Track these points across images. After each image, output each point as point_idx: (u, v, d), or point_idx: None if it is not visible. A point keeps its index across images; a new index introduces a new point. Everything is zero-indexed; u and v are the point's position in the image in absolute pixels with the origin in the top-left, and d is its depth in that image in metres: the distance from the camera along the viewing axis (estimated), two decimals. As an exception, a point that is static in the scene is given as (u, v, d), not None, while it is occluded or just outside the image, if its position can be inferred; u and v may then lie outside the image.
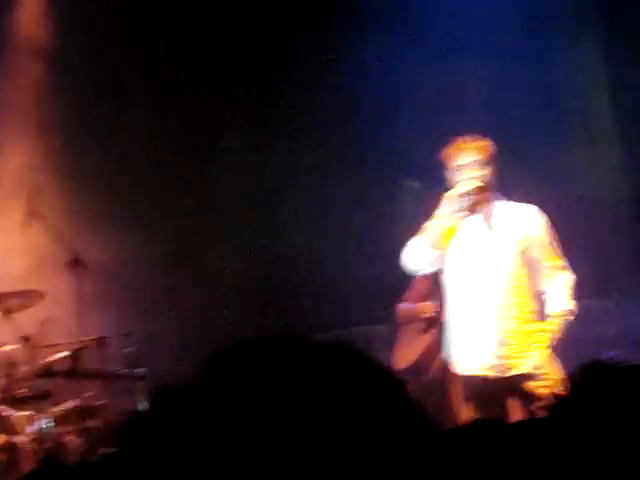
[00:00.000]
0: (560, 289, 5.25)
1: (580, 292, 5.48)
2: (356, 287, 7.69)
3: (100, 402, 6.49)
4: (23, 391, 6.25)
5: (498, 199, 5.31)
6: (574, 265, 5.43)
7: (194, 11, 7.99)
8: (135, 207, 7.77)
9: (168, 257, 7.89)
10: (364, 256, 7.70)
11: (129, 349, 6.58)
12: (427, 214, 5.34)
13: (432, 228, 5.23)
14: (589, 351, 6.34)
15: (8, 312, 6.47)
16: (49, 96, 7.68)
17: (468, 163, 5.15)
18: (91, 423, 6.30)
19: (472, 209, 5.21)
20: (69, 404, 6.34)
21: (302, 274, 7.83)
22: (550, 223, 5.33)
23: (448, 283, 5.38)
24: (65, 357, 6.39)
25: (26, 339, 6.40)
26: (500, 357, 5.18)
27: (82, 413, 6.31)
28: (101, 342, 6.53)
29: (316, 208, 7.92)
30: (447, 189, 5.22)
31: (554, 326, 5.20)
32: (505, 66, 7.76)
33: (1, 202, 7.49)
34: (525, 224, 5.27)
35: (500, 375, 5.16)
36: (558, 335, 5.20)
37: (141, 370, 6.45)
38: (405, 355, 6.55)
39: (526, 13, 7.90)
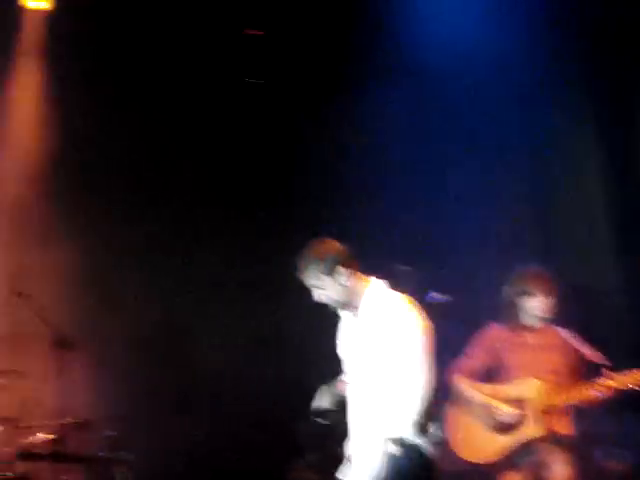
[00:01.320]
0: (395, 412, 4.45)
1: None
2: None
3: (81, 486, 6.34)
4: (2, 474, 6.10)
5: (370, 288, 4.66)
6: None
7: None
8: (120, 288, 7.67)
9: (153, 340, 7.76)
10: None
11: (112, 432, 6.44)
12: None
13: None
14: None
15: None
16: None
17: (311, 285, 4.68)
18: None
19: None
20: (49, 487, 6.20)
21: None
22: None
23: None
24: (46, 439, 6.25)
25: (7, 420, 6.28)
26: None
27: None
28: (83, 424, 6.41)
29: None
30: None
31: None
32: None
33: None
34: (384, 318, 4.51)
35: None
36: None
37: (124, 454, 6.31)
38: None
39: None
